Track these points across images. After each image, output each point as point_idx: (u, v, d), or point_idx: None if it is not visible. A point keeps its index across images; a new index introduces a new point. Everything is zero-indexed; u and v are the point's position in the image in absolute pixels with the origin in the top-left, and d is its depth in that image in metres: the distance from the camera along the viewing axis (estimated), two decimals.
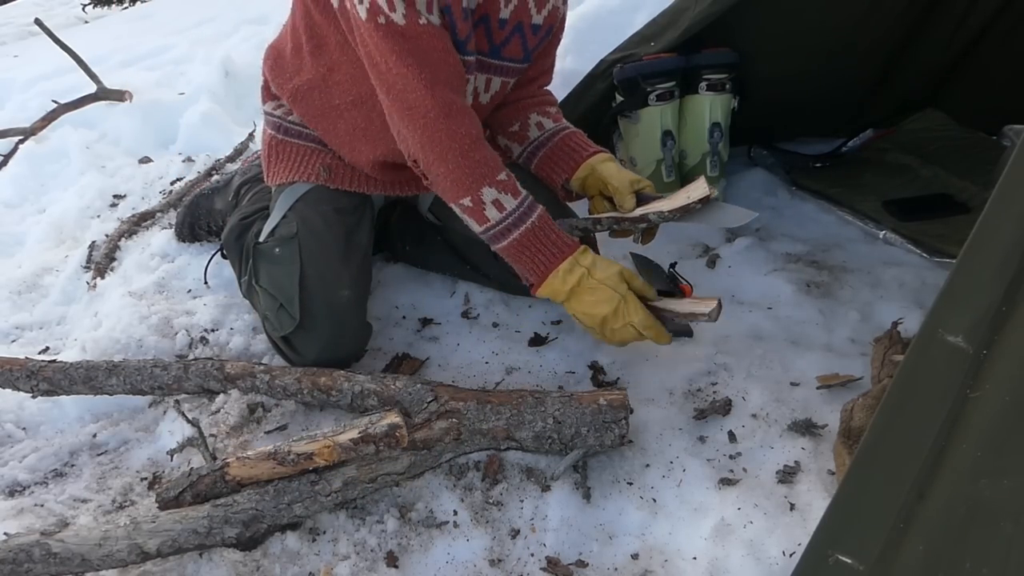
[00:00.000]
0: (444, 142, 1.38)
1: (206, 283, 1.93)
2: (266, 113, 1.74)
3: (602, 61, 2.20)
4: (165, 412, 1.58)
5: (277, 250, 1.60)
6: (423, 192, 1.76)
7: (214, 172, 2.54)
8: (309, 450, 1.24)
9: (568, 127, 1.71)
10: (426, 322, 1.79)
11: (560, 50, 1.78)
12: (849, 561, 0.84)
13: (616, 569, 1.22)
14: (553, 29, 1.61)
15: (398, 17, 1.33)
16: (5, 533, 1.22)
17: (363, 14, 1.35)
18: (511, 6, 1.49)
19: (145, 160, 2.75)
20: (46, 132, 3.03)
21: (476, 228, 1.42)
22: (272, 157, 1.70)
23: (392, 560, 1.24)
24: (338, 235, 1.61)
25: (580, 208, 1.76)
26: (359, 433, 1.25)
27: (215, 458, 1.39)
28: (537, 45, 1.59)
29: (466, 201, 1.39)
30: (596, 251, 1.64)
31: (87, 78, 3.20)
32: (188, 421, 1.47)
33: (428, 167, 1.41)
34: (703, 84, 2.14)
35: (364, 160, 1.64)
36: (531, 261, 1.41)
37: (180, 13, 5.05)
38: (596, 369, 1.61)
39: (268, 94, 1.73)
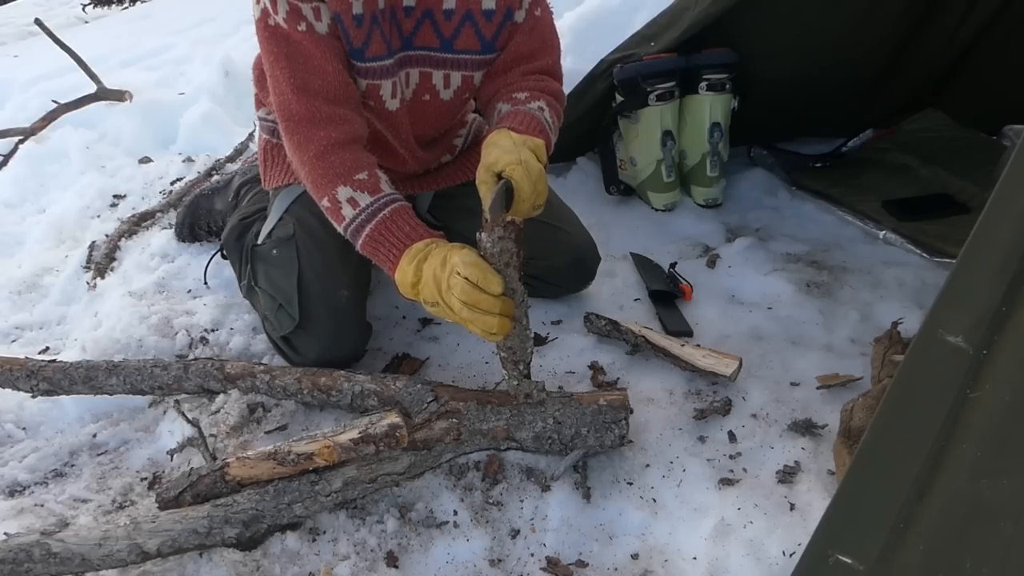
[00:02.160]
0: (303, 145, 1.39)
1: (206, 283, 1.93)
2: (260, 119, 1.74)
3: (602, 61, 2.20)
4: (165, 412, 1.58)
5: (275, 252, 1.60)
6: (418, 192, 1.76)
7: (214, 172, 2.54)
8: (309, 450, 1.24)
9: (511, 111, 1.48)
10: (426, 322, 1.79)
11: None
12: (849, 561, 0.84)
13: (616, 569, 1.22)
14: (513, 11, 1.50)
15: (280, 20, 1.36)
16: (5, 533, 1.22)
17: (257, 13, 1.39)
18: None
19: (145, 160, 2.75)
20: (46, 132, 3.02)
21: (339, 229, 1.40)
22: (268, 161, 1.71)
23: (392, 560, 1.24)
24: (335, 236, 1.60)
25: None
26: (359, 433, 1.25)
27: (215, 458, 1.39)
28: (497, 32, 1.50)
29: (325, 202, 1.38)
30: None
31: (87, 78, 3.20)
32: (188, 421, 1.47)
33: (296, 168, 1.43)
34: (703, 84, 2.14)
35: None
36: (384, 255, 1.35)
37: (180, 13, 5.06)
38: (596, 369, 1.61)
39: (260, 101, 1.74)
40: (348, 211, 1.36)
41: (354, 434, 1.25)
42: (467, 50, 1.50)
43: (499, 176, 1.28)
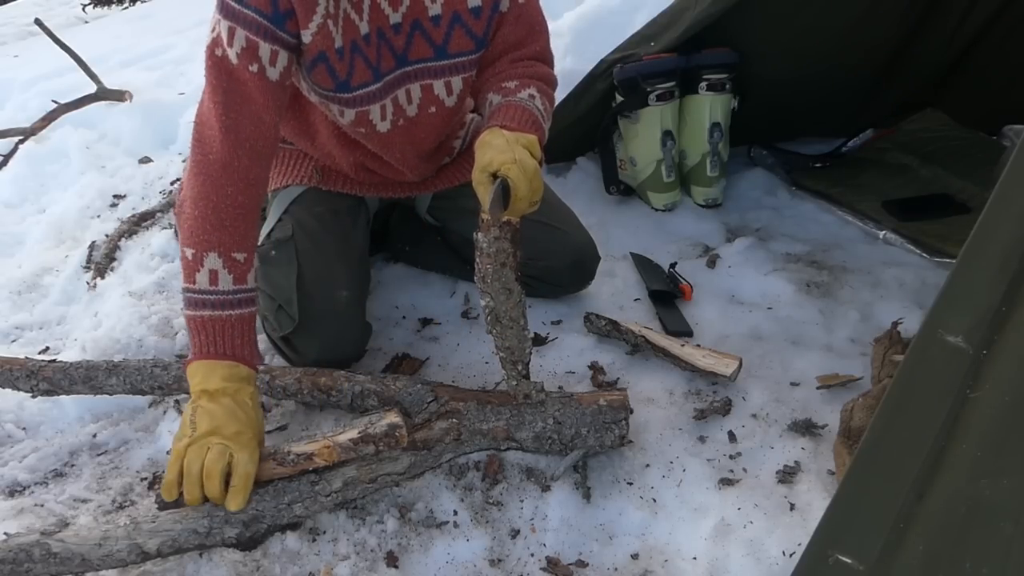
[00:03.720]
0: (207, 186, 1.29)
1: None
2: None
3: (602, 61, 2.20)
4: (165, 412, 1.58)
5: (273, 252, 1.60)
6: (416, 194, 1.76)
7: None
8: (309, 450, 1.24)
9: (502, 102, 1.46)
10: (426, 322, 1.79)
11: (560, 50, 1.76)
12: (849, 561, 0.84)
13: (616, 569, 1.22)
14: (498, 3, 1.47)
15: (231, 55, 1.28)
16: (5, 533, 1.22)
17: (208, 39, 1.31)
18: (438, 3, 1.42)
19: (145, 160, 2.75)
20: (46, 132, 3.02)
21: (182, 281, 1.33)
22: None
23: (392, 560, 1.24)
24: (334, 236, 1.61)
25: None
26: (359, 433, 1.25)
27: None
28: (487, 27, 1.48)
29: (189, 252, 1.30)
30: None
31: (87, 78, 3.20)
32: None
33: (185, 191, 1.33)
34: (703, 84, 2.14)
35: (347, 165, 1.65)
36: (201, 340, 1.28)
37: (180, 13, 5.05)
38: (596, 369, 1.61)
39: None
40: (203, 280, 1.29)
41: (353, 434, 1.25)
42: (462, 52, 1.50)
43: (495, 176, 1.27)
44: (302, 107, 1.57)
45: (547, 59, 1.59)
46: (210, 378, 1.25)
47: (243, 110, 1.30)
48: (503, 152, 1.29)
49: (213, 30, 1.30)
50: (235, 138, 1.29)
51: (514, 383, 1.35)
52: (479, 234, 1.25)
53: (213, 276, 1.29)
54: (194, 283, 1.29)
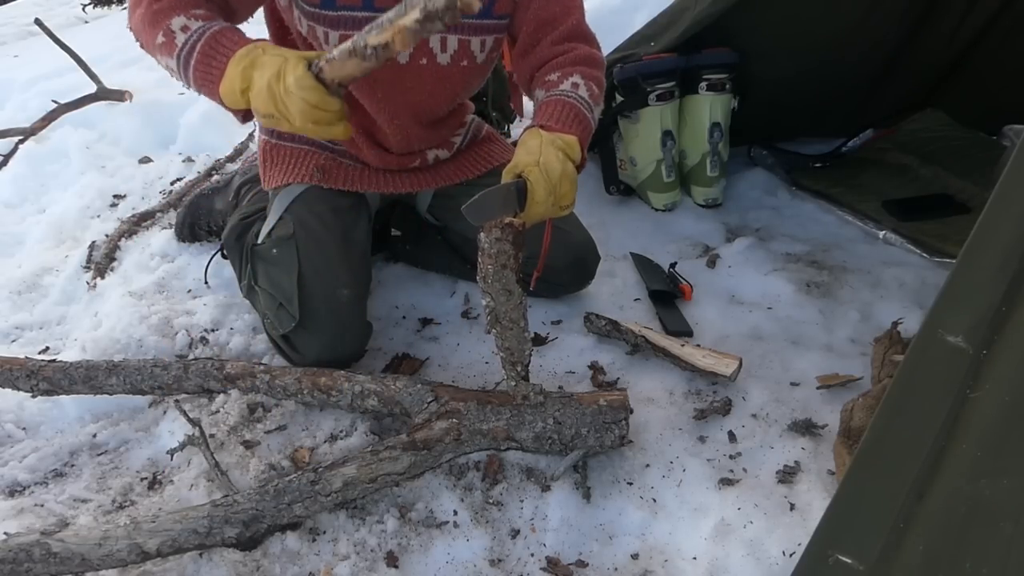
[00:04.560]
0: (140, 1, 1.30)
1: (206, 283, 1.93)
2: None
3: None
4: (165, 412, 1.58)
5: (274, 251, 1.60)
6: (416, 190, 1.76)
7: (214, 172, 2.54)
8: (383, 40, 1.12)
9: (544, 98, 1.49)
10: (426, 322, 1.79)
11: None
12: (849, 561, 0.84)
13: (616, 569, 1.22)
14: None
15: None
16: (5, 533, 1.22)
17: None
18: None
19: (145, 160, 2.75)
20: (46, 132, 3.02)
21: (172, 64, 1.30)
22: (267, 161, 1.70)
23: (392, 560, 1.24)
24: (335, 234, 1.61)
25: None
26: (421, 12, 1.09)
27: (216, 461, 1.39)
28: None
29: (160, 38, 1.28)
30: None
31: (87, 78, 3.20)
32: (189, 420, 1.47)
33: (132, 26, 1.33)
34: (703, 84, 2.14)
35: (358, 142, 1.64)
36: (214, 68, 1.26)
37: None
38: (596, 369, 1.61)
39: None
40: (180, 37, 1.27)
41: (416, 14, 1.10)
42: (464, 14, 1.50)
43: (519, 176, 1.29)
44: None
45: (586, 35, 1.57)
46: (239, 62, 1.23)
47: None
48: (531, 154, 1.32)
49: None
50: None
51: (513, 383, 1.35)
52: (481, 234, 1.25)
53: (184, 28, 1.28)
54: (177, 45, 1.27)
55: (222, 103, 1.30)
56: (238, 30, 1.30)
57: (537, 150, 1.33)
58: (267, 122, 1.24)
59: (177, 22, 1.28)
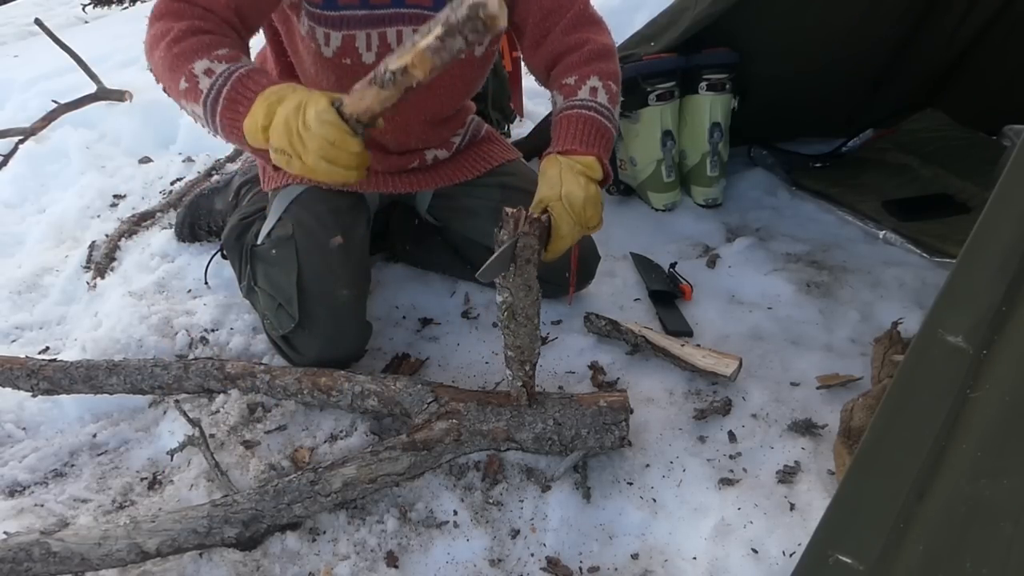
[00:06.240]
0: (161, 35, 1.25)
1: (206, 283, 1.93)
2: None
3: None
4: (165, 412, 1.58)
5: (274, 252, 1.60)
6: (416, 191, 1.76)
7: (214, 172, 2.54)
8: (402, 64, 1.07)
9: (563, 109, 1.48)
10: (426, 322, 1.79)
11: None
12: (849, 561, 0.84)
13: (616, 569, 1.22)
14: None
15: None
16: (5, 532, 1.22)
17: None
18: None
19: (145, 160, 2.75)
20: (46, 132, 3.02)
21: (198, 111, 1.24)
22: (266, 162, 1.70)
23: (392, 560, 1.24)
24: (334, 234, 1.61)
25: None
26: (441, 27, 1.05)
27: (216, 461, 1.39)
28: None
29: (183, 83, 1.22)
30: None
31: (87, 78, 3.20)
32: (189, 420, 1.47)
33: (152, 66, 1.29)
34: (703, 84, 2.14)
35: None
36: (241, 110, 1.20)
37: None
38: (596, 369, 1.61)
39: None
40: (205, 82, 1.21)
41: (438, 31, 1.05)
42: (487, 29, 1.48)
43: (544, 212, 1.32)
44: (299, 71, 1.57)
45: (594, 20, 1.56)
46: (266, 99, 1.17)
47: None
48: (552, 187, 1.34)
49: None
50: (187, 1, 1.25)
51: (519, 383, 1.35)
52: (502, 232, 1.23)
53: (208, 72, 1.22)
54: (202, 90, 1.22)
55: (249, 147, 1.24)
56: (265, 71, 1.26)
57: (558, 181, 1.35)
58: (278, 159, 1.18)
59: (200, 66, 1.22)
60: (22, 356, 1.58)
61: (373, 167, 1.69)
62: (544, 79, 1.59)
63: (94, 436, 1.56)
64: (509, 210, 1.22)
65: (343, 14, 1.42)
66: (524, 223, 1.22)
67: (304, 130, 1.13)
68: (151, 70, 1.30)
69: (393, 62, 1.07)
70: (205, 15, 1.27)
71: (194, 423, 1.46)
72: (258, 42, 1.47)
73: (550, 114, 1.63)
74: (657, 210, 2.24)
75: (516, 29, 1.57)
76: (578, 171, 1.36)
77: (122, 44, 4.27)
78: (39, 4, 7.57)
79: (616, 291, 1.88)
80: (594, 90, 1.47)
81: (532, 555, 1.25)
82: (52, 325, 1.95)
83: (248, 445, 1.47)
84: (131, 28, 5.17)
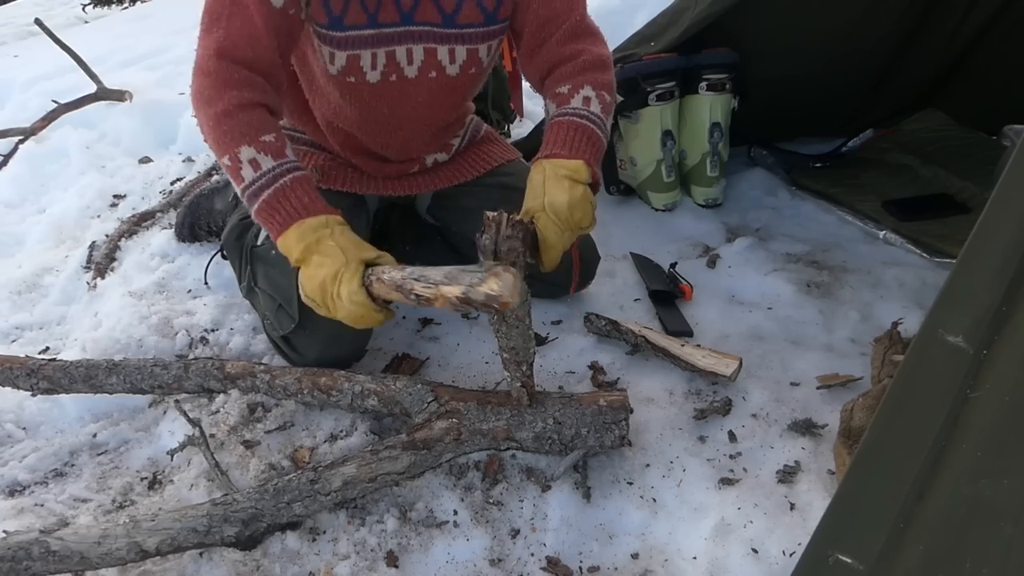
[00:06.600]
0: (212, 100, 1.33)
1: (206, 283, 1.93)
2: None
3: None
4: (165, 412, 1.58)
5: (274, 252, 1.59)
6: (416, 193, 1.76)
7: (214, 172, 2.54)
8: (427, 295, 1.20)
9: (555, 117, 1.49)
10: (426, 322, 1.79)
11: None
12: (849, 561, 0.84)
13: (616, 569, 1.22)
14: None
15: None
16: (4, 532, 1.22)
17: None
18: None
19: (145, 160, 2.75)
20: (46, 132, 3.03)
21: (237, 189, 1.36)
22: None
23: (392, 560, 1.24)
24: None
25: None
26: (462, 292, 1.16)
27: (216, 461, 1.39)
28: (499, 2, 1.48)
29: (225, 160, 1.34)
30: None
31: (87, 78, 3.20)
32: (189, 420, 1.47)
33: (199, 122, 1.37)
34: (703, 84, 2.14)
35: (336, 143, 1.65)
36: (275, 223, 1.33)
37: (180, 13, 5.05)
38: (596, 369, 1.61)
39: None
40: (248, 173, 1.32)
41: (457, 291, 1.17)
42: (470, 24, 1.48)
43: (531, 223, 1.33)
44: (305, 79, 1.59)
45: (591, 31, 1.56)
46: (304, 236, 1.31)
47: (243, 32, 1.32)
48: (535, 197, 1.36)
49: None
50: (229, 59, 1.32)
51: (518, 384, 1.35)
52: (484, 237, 1.24)
53: (254, 164, 1.32)
54: (244, 179, 1.33)
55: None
56: (307, 183, 1.35)
57: (541, 190, 1.36)
58: (308, 302, 1.34)
59: (246, 153, 1.32)
60: (22, 356, 1.58)
61: (373, 174, 1.69)
62: (539, 87, 1.60)
63: (94, 436, 1.56)
64: (490, 214, 1.22)
65: (349, 34, 1.43)
66: (507, 226, 1.22)
67: (337, 298, 1.28)
68: (195, 116, 1.38)
69: (420, 288, 1.21)
70: (251, 80, 1.34)
71: (194, 423, 1.46)
72: None
73: (543, 121, 1.63)
74: (657, 210, 2.24)
75: (514, 35, 1.57)
76: (562, 175, 1.36)
77: (122, 44, 4.28)
78: (39, 4, 7.58)
79: (616, 291, 1.88)
80: (587, 99, 1.46)
81: (532, 555, 1.25)
82: (52, 325, 1.95)
83: (248, 445, 1.47)
84: (131, 28, 5.18)
